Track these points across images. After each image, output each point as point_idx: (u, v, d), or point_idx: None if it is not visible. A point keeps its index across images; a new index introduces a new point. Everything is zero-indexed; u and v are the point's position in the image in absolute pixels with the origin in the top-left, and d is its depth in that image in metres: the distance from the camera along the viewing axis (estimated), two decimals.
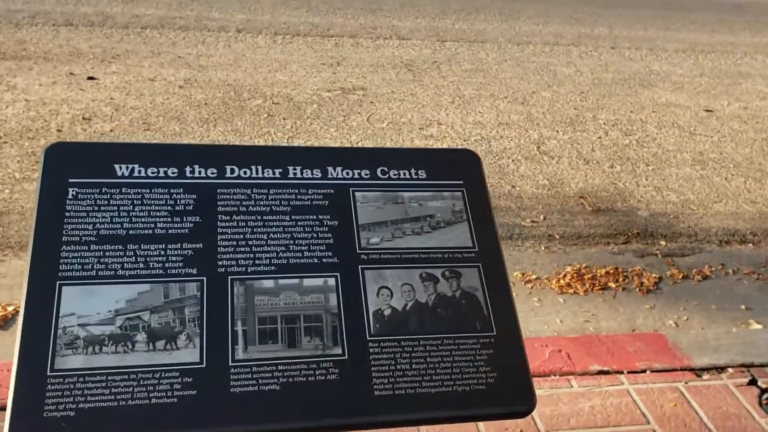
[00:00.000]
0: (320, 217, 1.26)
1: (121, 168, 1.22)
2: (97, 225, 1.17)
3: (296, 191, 1.28)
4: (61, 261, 1.12)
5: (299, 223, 1.25)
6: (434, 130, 4.46)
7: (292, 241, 1.23)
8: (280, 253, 1.21)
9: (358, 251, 1.25)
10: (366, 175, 1.32)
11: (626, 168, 4.25)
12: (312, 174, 1.30)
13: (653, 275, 3.21)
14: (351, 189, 1.30)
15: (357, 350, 1.15)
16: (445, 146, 4.27)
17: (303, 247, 1.22)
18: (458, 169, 1.37)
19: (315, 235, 1.24)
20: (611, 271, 3.21)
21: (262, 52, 5.41)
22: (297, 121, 4.37)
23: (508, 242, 3.41)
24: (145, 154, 1.25)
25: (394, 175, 1.34)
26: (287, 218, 1.25)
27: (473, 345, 1.19)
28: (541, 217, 3.62)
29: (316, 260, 1.22)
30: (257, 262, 1.19)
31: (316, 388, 1.10)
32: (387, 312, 1.20)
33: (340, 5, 6.80)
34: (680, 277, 3.22)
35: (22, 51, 4.91)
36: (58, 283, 1.11)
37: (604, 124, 4.86)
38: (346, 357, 1.14)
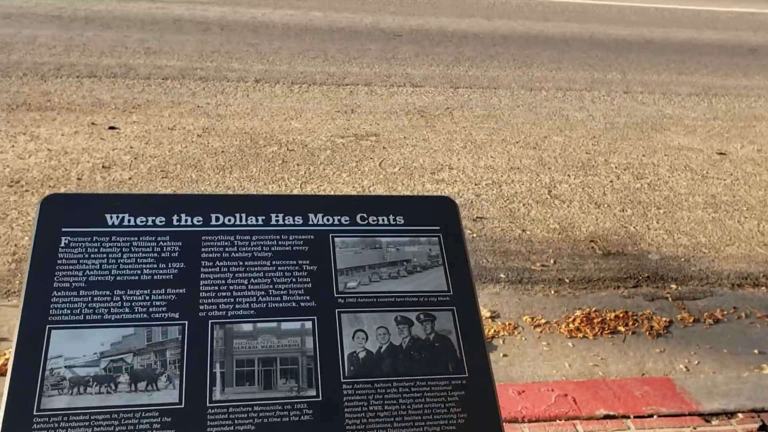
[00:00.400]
0: (300, 262, 1.31)
1: (111, 217, 1.29)
2: (87, 272, 1.23)
3: (278, 237, 1.33)
4: (51, 306, 1.19)
5: (279, 268, 1.30)
6: (445, 175, 4.51)
7: (271, 286, 1.28)
8: (260, 298, 1.26)
9: (335, 295, 1.29)
10: (346, 221, 1.37)
11: (637, 211, 4.25)
12: (294, 221, 1.36)
13: (663, 319, 3.19)
14: (331, 235, 1.35)
15: (331, 392, 1.18)
16: (456, 190, 4.32)
17: (282, 292, 1.27)
18: (436, 215, 1.41)
19: (294, 280, 1.29)
20: (621, 315, 3.20)
21: (278, 101, 5.55)
22: (311, 167, 4.45)
23: (518, 286, 3.42)
24: (135, 204, 1.32)
25: (373, 221, 1.39)
26: (268, 263, 1.30)
27: (445, 387, 1.22)
28: (552, 261, 3.63)
29: (294, 304, 1.26)
30: (237, 306, 1.24)
31: (291, 428, 1.13)
32: (362, 354, 1.23)
33: (356, 55, 6.97)
34: (691, 320, 3.20)
35: (46, 102, 5.10)
36: (47, 326, 1.17)
37: (616, 167, 4.88)
38: (321, 398, 1.17)
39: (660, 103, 6.39)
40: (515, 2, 10.18)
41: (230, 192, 4.06)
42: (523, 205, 4.20)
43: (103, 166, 4.21)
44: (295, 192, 4.13)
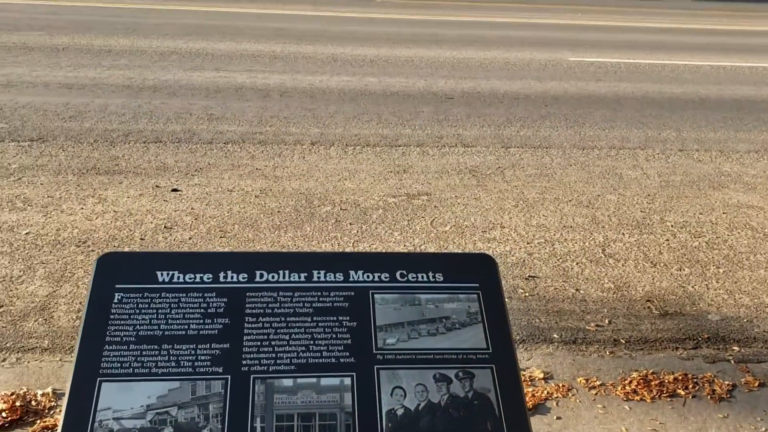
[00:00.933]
0: (340, 318, 1.34)
1: (162, 274, 1.35)
2: (137, 327, 1.29)
3: (319, 294, 1.37)
4: (102, 359, 1.24)
5: (320, 324, 1.33)
6: (497, 233, 4.51)
7: (312, 342, 1.31)
8: (300, 354, 1.29)
9: (374, 352, 1.31)
10: (386, 278, 1.40)
11: (695, 271, 4.14)
12: (335, 277, 1.40)
13: (726, 382, 3.06)
14: (371, 291, 1.38)
15: None
16: (508, 249, 4.30)
17: (322, 348, 1.30)
18: (475, 272, 1.43)
19: (334, 336, 1.32)
20: (680, 378, 3.09)
21: (333, 162, 5.69)
22: (363, 225, 4.52)
23: (572, 347, 3.35)
24: (185, 262, 1.38)
25: (413, 278, 1.41)
26: (309, 319, 1.33)
27: None
28: (606, 321, 3.56)
29: (333, 360, 1.29)
30: (278, 361, 1.28)
31: None
32: (400, 412, 1.24)
33: (408, 117, 7.11)
34: (756, 384, 3.06)
35: (114, 166, 5.37)
36: (98, 379, 1.22)
37: (672, 226, 4.78)
38: None
39: (717, 160, 6.27)
40: (567, 64, 10.26)
41: (284, 251, 4.15)
42: (577, 264, 4.14)
43: (165, 227, 4.37)
44: (348, 250, 4.19)
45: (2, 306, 3.44)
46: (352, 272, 1.40)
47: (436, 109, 7.47)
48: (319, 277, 1.39)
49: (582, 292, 3.83)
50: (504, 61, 10.20)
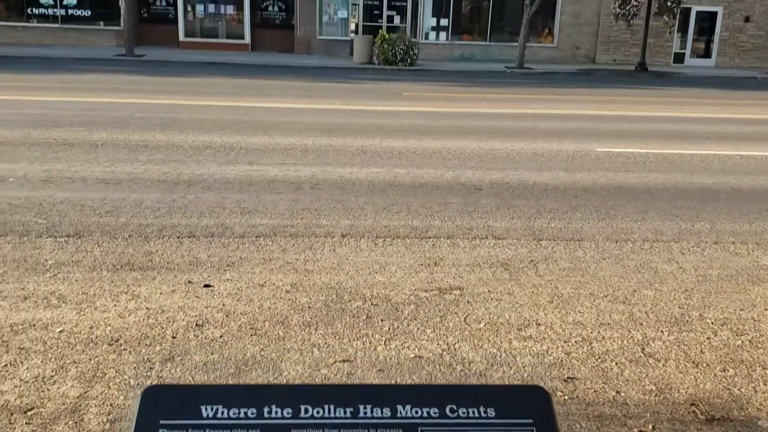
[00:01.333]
0: None
1: (206, 409, 1.33)
2: None
3: (366, 431, 1.32)
4: None
5: None
6: (533, 331, 4.42)
7: None
8: None
9: None
10: (435, 413, 1.36)
11: (740, 371, 3.99)
12: (381, 413, 1.36)
13: None
14: (420, 429, 1.34)
15: None
16: (544, 348, 4.20)
17: None
18: (528, 406, 1.38)
19: None
20: None
21: (363, 255, 5.70)
22: (394, 322, 4.47)
23: None
24: (229, 396, 1.36)
25: (463, 413, 1.36)
26: None
27: None
28: (650, 427, 3.42)
29: None
30: None
31: None
32: None
33: (437, 209, 7.16)
34: None
35: (148, 262, 5.43)
36: None
37: (713, 323, 4.65)
38: None
39: (755, 253, 6.16)
40: (594, 154, 10.34)
41: (315, 349, 4.10)
42: (616, 364, 4.03)
43: (196, 324, 4.37)
44: (380, 349, 4.13)
45: (33, 408, 3.42)
46: (399, 407, 1.36)
47: (465, 200, 7.52)
48: (365, 413, 1.35)
49: (623, 394, 3.70)
50: (531, 152, 10.32)
